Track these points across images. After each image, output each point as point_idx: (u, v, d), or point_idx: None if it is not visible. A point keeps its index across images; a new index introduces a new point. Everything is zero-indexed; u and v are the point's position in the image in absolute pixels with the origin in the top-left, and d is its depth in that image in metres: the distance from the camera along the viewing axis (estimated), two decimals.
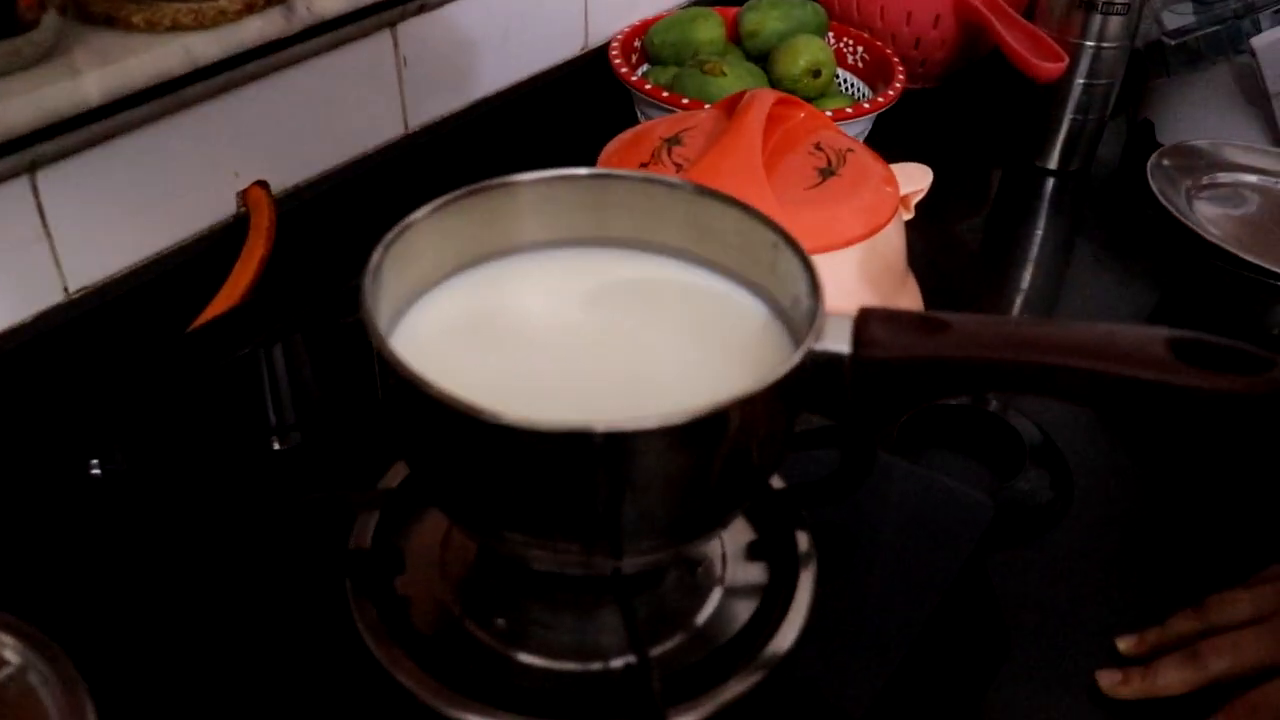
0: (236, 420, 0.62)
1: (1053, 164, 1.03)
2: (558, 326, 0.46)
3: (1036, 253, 0.95)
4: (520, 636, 0.46)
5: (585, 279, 0.48)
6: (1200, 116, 1.04)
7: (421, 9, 0.79)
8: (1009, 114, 1.05)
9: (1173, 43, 1.04)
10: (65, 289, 0.64)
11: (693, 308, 0.47)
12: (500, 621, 0.46)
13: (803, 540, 0.50)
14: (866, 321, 0.41)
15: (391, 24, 0.78)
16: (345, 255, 0.45)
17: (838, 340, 0.41)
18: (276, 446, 0.61)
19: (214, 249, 0.70)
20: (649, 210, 0.48)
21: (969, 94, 1.12)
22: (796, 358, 0.39)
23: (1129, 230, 0.94)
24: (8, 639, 0.43)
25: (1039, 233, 0.99)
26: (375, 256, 0.41)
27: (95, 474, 0.59)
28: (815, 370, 0.41)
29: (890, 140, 0.98)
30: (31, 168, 0.60)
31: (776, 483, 0.52)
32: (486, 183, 0.47)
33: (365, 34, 0.76)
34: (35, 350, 0.62)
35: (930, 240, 0.93)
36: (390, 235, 0.43)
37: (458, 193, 0.46)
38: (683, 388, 0.42)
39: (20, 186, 0.60)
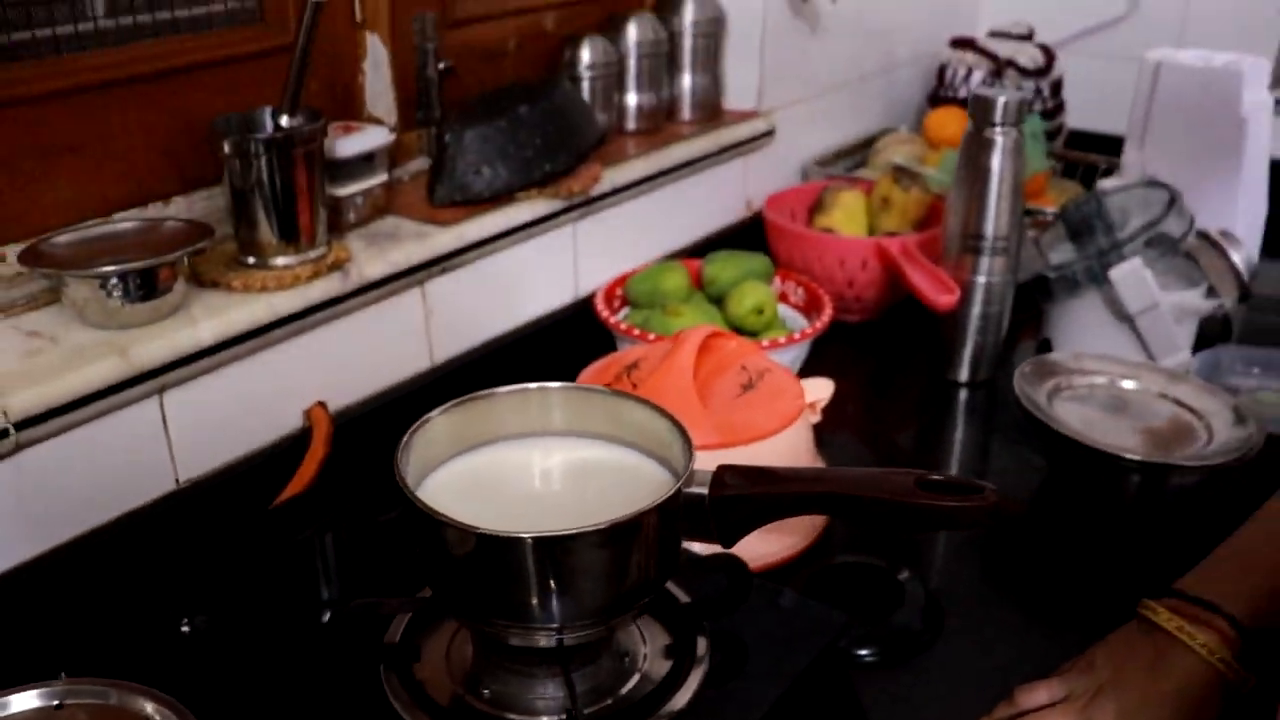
0: (295, 592, 0.83)
1: (963, 377, 1.26)
2: (525, 486, 0.68)
3: (944, 441, 1.17)
4: (502, 702, 0.65)
5: (547, 456, 0.71)
6: (1085, 333, 1.27)
7: (444, 270, 1.05)
8: (928, 338, 1.28)
9: (1054, 275, 1.28)
10: (177, 480, 0.87)
11: (616, 471, 0.69)
12: (487, 692, 0.66)
13: (701, 644, 0.69)
14: (722, 474, 0.63)
15: (421, 283, 1.03)
16: (386, 463, 0.66)
17: (702, 485, 0.62)
18: (324, 619, 0.81)
19: (286, 453, 0.92)
20: (589, 411, 0.71)
21: (900, 322, 1.36)
22: (669, 492, 0.60)
23: (1017, 425, 1.15)
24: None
25: (952, 430, 1.20)
26: (405, 439, 0.64)
27: (184, 630, 0.79)
28: (688, 505, 0.62)
29: (832, 361, 1.21)
30: (161, 389, 0.83)
31: (685, 598, 0.72)
32: (478, 393, 0.70)
33: (401, 290, 1.01)
34: (151, 526, 0.84)
35: (861, 438, 1.15)
36: (415, 425, 0.66)
37: (460, 400, 0.69)
38: (603, 518, 0.64)
39: (152, 405, 0.83)
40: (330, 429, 0.94)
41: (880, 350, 1.33)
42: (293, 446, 0.93)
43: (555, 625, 0.61)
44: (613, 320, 1.16)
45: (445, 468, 0.69)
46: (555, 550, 0.58)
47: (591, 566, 0.60)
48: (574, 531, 0.58)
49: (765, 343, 1.12)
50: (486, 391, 0.71)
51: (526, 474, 0.70)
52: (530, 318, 1.17)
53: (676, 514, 0.62)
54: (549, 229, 1.16)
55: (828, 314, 1.21)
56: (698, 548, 0.68)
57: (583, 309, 1.20)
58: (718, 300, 1.24)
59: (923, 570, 0.91)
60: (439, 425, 0.68)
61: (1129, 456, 0.97)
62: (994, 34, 1.86)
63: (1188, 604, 0.72)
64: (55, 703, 0.60)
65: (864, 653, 0.82)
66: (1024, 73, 1.77)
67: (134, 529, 0.84)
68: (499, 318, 1.14)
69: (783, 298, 1.29)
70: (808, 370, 1.18)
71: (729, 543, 0.64)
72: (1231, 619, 0.70)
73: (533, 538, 0.57)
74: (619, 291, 1.24)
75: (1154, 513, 1.00)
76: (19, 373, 0.77)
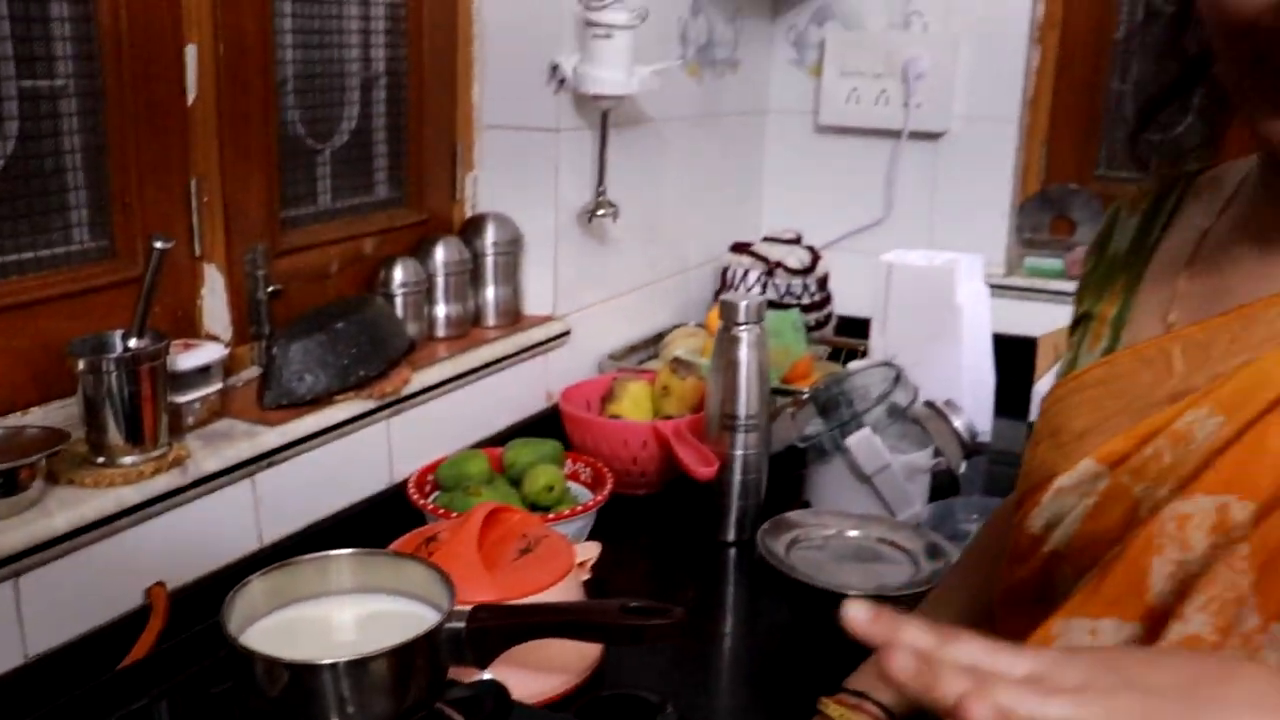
0: None
1: (730, 537, 1.47)
2: (326, 632, 0.86)
3: (714, 591, 1.37)
4: None
5: (343, 609, 0.88)
6: (836, 493, 1.50)
7: (271, 464, 1.22)
8: (703, 505, 1.50)
9: (804, 445, 1.52)
10: (25, 654, 1.01)
11: (399, 617, 0.87)
12: None
13: None
14: (477, 610, 0.82)
15: (251, 475, 1.20)
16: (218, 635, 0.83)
17: (460, 620, 0.81)
18: None
19: (127, 628, 1.07)
20: (377, 570, 0.89)
21: (681, 494, 1.56)
22: (433, 625, 0.79)
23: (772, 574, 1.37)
24: None
25: (720, 582, 1.41)
26: (229, 597, 0.82)
27: None
28: (450, 635, 0.81)
29: (620, 529, 1.41)
30: (16, 574, 0.98)
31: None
32: (288, 560, 0.88)
33: (234, 482, 1.18)
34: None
35: (641, 592, 1.34)
36: (237, 587, 0.83)
37: (273, 566, 0.87)
38: None
39: (8, 587, 0.98)
40: (167, 605, 1.09)
41: (662, 518, 1.54)
42: (133, 622, 1.08)
43: None
44: (422, 502, 1.34)
45: (263, 621, 0.86)
46: (344, 673, 0.76)
47: (376, 686, 0.77)
48: (359, 657, 0.76)
49: (553, 515, 1.32)
50: (294, 559, 0.88)
51: (327, 624, 0.87)
52: (350, 503, 1.35)
53: (440, 643, 0.80)
54: (366, 425, 1.35)
55: (608, 489, 1.42)
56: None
57: (397, 493, 1.39)
58: (516, 481, 1.44)
59: (681, 702, 1.10)
60: (257, 587, 0.85)
61: (850, 592, 1.19)
62: (768, 239, 2.16)
63: (849, 695, 0.92)
64: None
65: None
66: (792, 272, 2.06)
67: None
68: (322, 504, 1.31)
69: (573, 476, 1.49)
70: (597, 537, 1.38)
71: (483, 664, 0.82)
72: (880, 704, 0.90)
73: (327, 663, 0.75)
74: (430, 477, 1.43)
75: None
76: None
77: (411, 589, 0.89)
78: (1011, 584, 0.79)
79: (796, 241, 2.15)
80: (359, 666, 0.76)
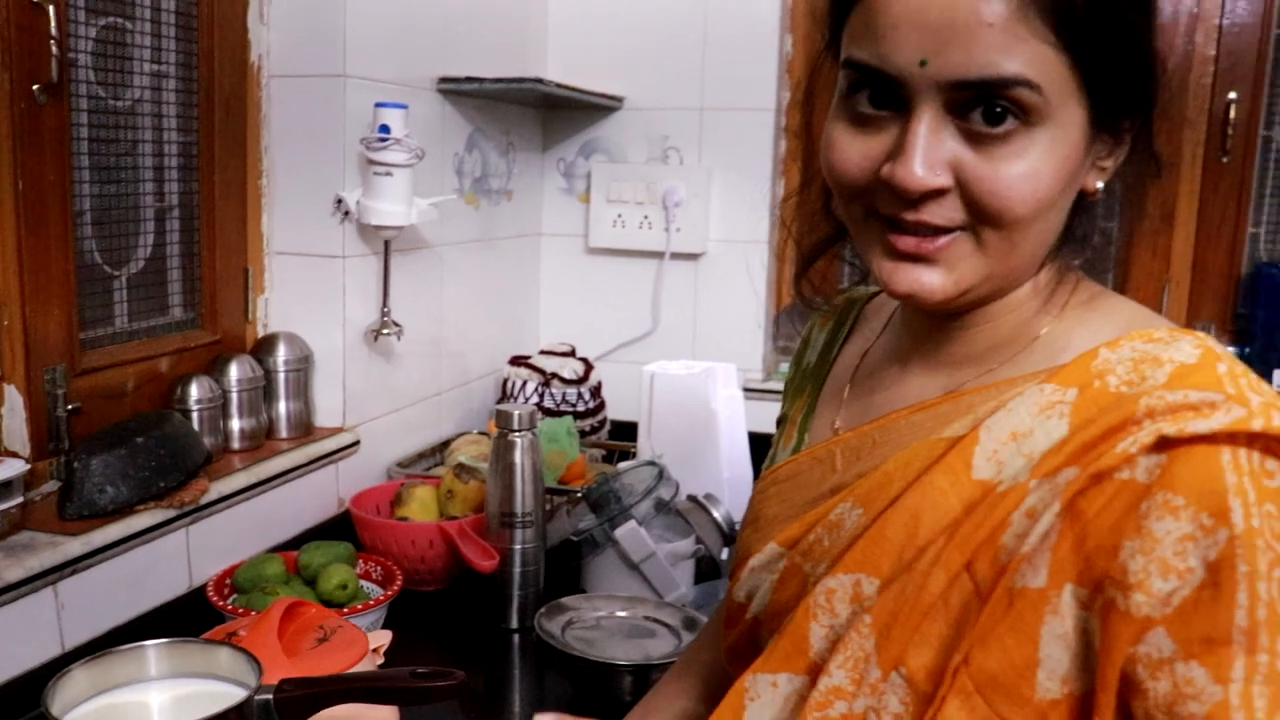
0: None
1: (513, 624, 1.60)
2: (144, 714, 0.95)
3: (499, 672, 1.50)
4: None
5: (161, 691, 0.98)
6: (610, 580, 1.66)
7: (75, 572, 1.29)
8: (489, 597, 1.62)
9: (578, 539, 1.68)
10: None
11: (210, 696, 0.97)
12: None
13: None
14: (282, 683, 0.93)
15: (54, 583, 1.27)
16: None
17: (268, 693, 0.92)
18: None
19: None
20: (188, 657, 0.99)
21: (467, 588, 1.69)
22: (241, 699, 0.90)
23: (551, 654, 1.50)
24: None
25: (505, 664, 1.54)
26: (51, 683, 0.90)
27: None
28: (260, 706, 0.92)
29: (410, 622, 1.53)
30: None
31: None
32: (109, 650, 0.97)
33: (36, 590, 1.25)
34: None
35: None
36: (60, 673, 0.92)
37: (96, 655, 0.96)
38: None
39: None
40: None
41: (450, 610, 1.66)
42: None
43: None
44: (221, 604, 1.43)
45: (83, 706, 0.94)
46: None
47: None
48: None
49: (347, 610, 1.43)
50: (111, 649, 0.98)
51: (145, 707, 0.96)
52: (153, 606, 1.42)
53: (252, 713, 0.91)
54: (167, 533, 1.43)
55: (398, 584, 1.53)
56: None
57: (198, 595, 1.46)
58: (311, 581, 1.53)
59: None
60: (78, 674, 0.94)
61: (619, 663, 1.35)
62: (544, 352, 2.33)
63: None
64: None
65: None
66: (567, 382, 2.24)
67: None
68: (126, 608, 1.37)
69: (365, 575, 1.60)
70: (389, 628, 1.48)
71: None
72: None
73: None
74: (228, 580, 1.51)
75: None
76: None
77: (221, 672, 0.99)
78: (730, 644, 0.96)
79: (571, 354, 2.33)
80: None
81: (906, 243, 0.73)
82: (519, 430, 1.58)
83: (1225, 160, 2.28)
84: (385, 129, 1.72)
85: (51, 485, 1.41)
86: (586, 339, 2.43)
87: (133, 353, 1.57)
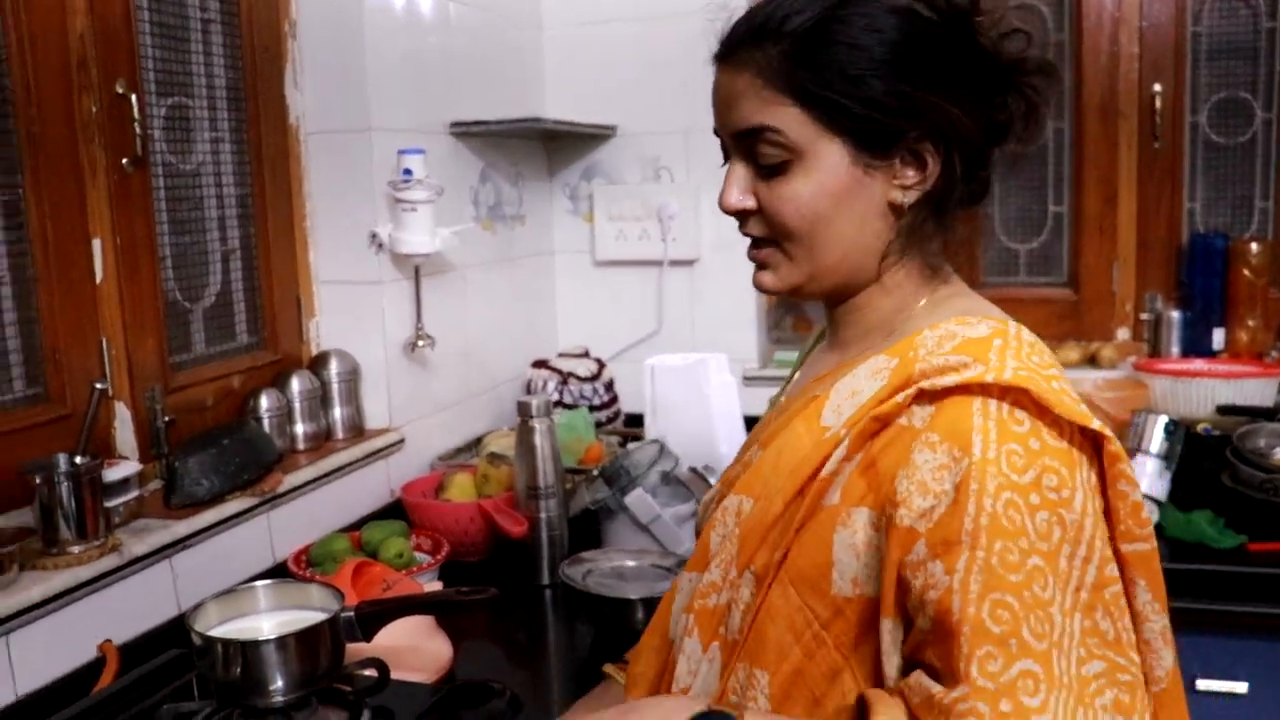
0: None
1: (544, 580, 1.89)
2: (258, 633, 1.24)
3: (532, 615, 1.78)
4: None
5: (268, 620, 1.27)
6: (625, 540, 1.94)
7: (184, 549, 1.59)
8: (522, 560, 1.91)
9: (593, 507, 1.97)
10: (16, 694, 1.34)
11: (308, 618, 1.26)
12: None
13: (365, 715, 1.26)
14: (360, 605, 1.23)
15: (169, 557, 1.57)
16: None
17: (351, 610, 1.22)
18: None
19: (87, 672, 1.42)
20: (288, 592, 1.29)
21: (505, 557, 1.97)
22: (334, 613, 1.19)
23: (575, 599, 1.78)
24: None
25: (538, 609, 1.82)
26: (191, 610, 1.20)
27: None
28: (345, 622, 1.21)
29: (458, 583, 1.81)
30: (8, 633, 1.33)
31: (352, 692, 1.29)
32: (233, 586, 1.26)
33: (156, 563, 1.54)
34: None
35: (481, 620, 1.75)
36: (199, 602, 1.21)
37: (222, 590, 1.25)
38: None
39: (0, 644, 1.32)
40: (117, 656, 1.45)
41: (491, 574, 1.94)
42: (91, 669, 1.43)
43: (282, 690, 1.17)
44: (299, 573, 1.72)
45: (215, 628, 1.24)
46: (278, 646, 1.15)
47: (299, 656, 1.16)
48: (288, 633, 1.15)
49: (404, 572, 1.72)
50: (231, 588, 1.27)
51: (259, 629, 1.26)
52: (244, 577, 1.71)
53: (339, 626, 1.21)
54: (252, 517, 1.73)
55: (445, 550, 1.83)
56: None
57: (280, 569, 1.76)
58: (373, 554, 1.83)
59: (515, 687, 1.50)
60: (210, 606, 1.24)
61: (632, 597, 1.63)
62: (562, 355, 2.63)
63: (624, 663, 1.33)
64: None
65: None
66: (582, 380, 2.53)
67: None
68: (225, 577, 1.67)
69: (417, 547, 1.90)
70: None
71: (369, 638, 1.23)
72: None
73: (266, 639, 1.14)
74: (304, 556, 1.81)
75: None
76: None
77: (313, 603, 1.29)
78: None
79: (585, 355, 2.63)
80: (287, 641, 1.16)
81: (750, 254, 1.02)
82: (537, 416, 1.87)
83: (1157, 145, 2.54)
84: (408, 172, 2.02)
85: (155, 483, 1.72)
86: (599, 341, 2.72)
87: (211, 372, 1.88)
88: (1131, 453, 2.07)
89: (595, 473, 2.04)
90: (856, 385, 0.94)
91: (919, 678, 0.83)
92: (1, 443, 1.50)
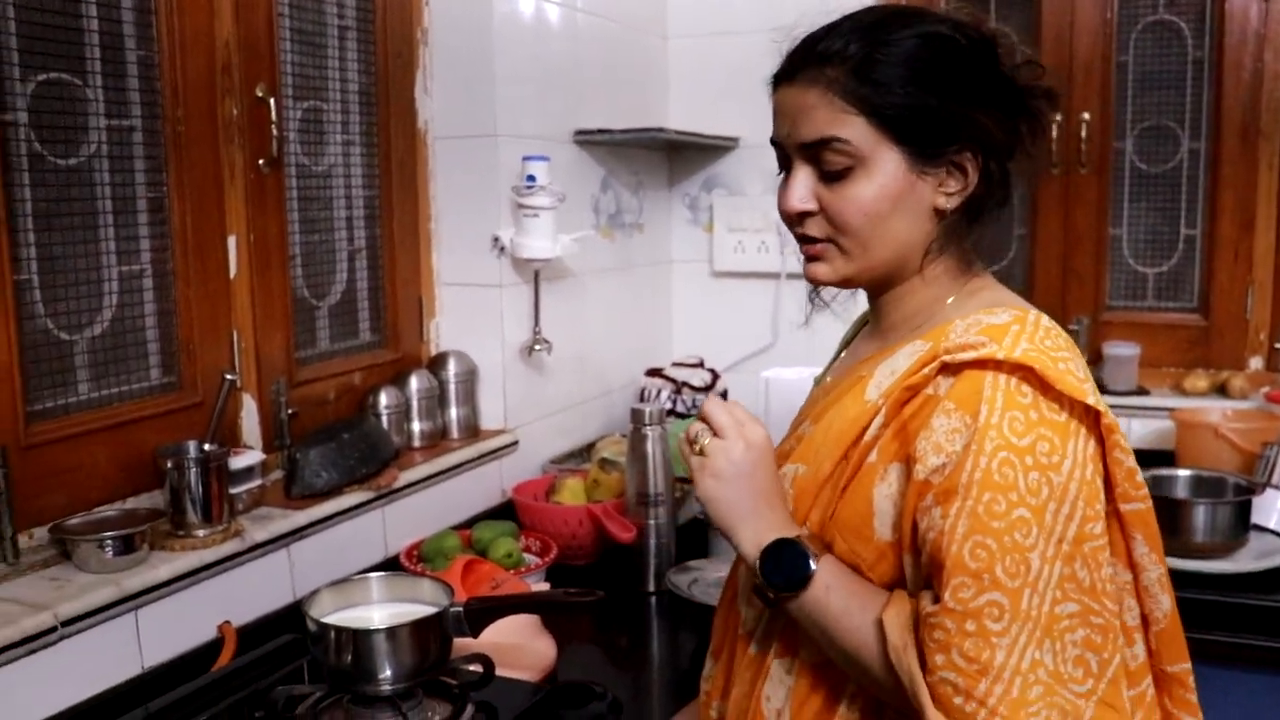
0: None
1: (650, 587, 1.90)
2: (368, 623, 1.28)
3: (635, 619, 1.79)
4: None
5: (380, 609, 1.30)
6: (733, 550, 1.93)
7: (302, 537, 1.64)
8: (628, 567, 1.92)
9: (702, 517, 1.96)
10: (142, 665, 1.40)
11: (419, 611, 1.29)
12: None
13: (469, 709, 1.28)
14: (470, 602, 1.25)
15: (287, 545, 1.62)
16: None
17: (460, 605, 1.24)
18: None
19: (207, 650, 1.47)
20: (399, 584, 1.32)
21: (611, 561, 1.99)
22: (444, 606, 1.22)
23: (680, 606, 1.78)
24: None
25: (644, 614, 1.83)
26: (306, 599, 1.24)
27: None
28: (454, 616, 1.23)
29: (565, 582, 1.83)
30: (137, 608, 1.39)
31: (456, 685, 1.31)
32: (346, 577, 1.30)
33: (274, 550, 1.59)
34: (119, 701, 1.36)
35: (585, 623, 1.76)
36: (311, 592, 1.25)
37: (336, 580, 1.29)
38: None
39: (129, 619, 1.38)
40: (234, 636, 1.50)
41: (597, 578, 1.96)
42: (209, 648, 1.48)
43: (390, 680, 1.19)
44: (411, 568, 1.76)
45: (329, 616, 1.27)
46: (387, 637, 1.18)
47: (407, 648, 1.19)
48: (398, 624, 1.18)
49: (513, 572, 1.75)
50: (345, 578, 1.31)
51: (370, 619, 1.29)
52: (358, 569, 1.76)
53: (447, 620, 1.23)
54: (367, 511, 1.77)
55: (554, 553, 1.85)
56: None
57: (393, 562, 1.80)
58: (482, 552, 1.86)
59: (615, 689, 1.51)
60: (324, 594, 1.27)
61: None
62: (676, 364, 2.64)
63: None
64: None
65: None
66: (695, 389, 2.53)
67: (104, 703, 1.36)
68: (339, 568, 1.72)
69: (526, 549, 1.92)
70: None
71: (476, 634, 1.25)
72: None
73: (376, 628, 1.17)
74: (415, 551, 1.85)
75: None
76: (54, 598, 1.32)
77: (424, 597, 1.31)
78: None
79: (700, 365, 2.63)
80: (397, 631, 1.19)
81: (804, 250, 1.11)
82: (650, 424, 1.88)
83: None
84: (531, 178, 2.05)
85: (277, 473, 1.77)
86: (714, 352, 2.72)
87: (334, 368, 1.93)
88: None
89: None
90: (896, 365, 1.06)
91: (925, 594, 0.96)
92: (138, 428, 1.57)
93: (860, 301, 1.21)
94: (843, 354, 1.27)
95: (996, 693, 0.90)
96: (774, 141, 1.10)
